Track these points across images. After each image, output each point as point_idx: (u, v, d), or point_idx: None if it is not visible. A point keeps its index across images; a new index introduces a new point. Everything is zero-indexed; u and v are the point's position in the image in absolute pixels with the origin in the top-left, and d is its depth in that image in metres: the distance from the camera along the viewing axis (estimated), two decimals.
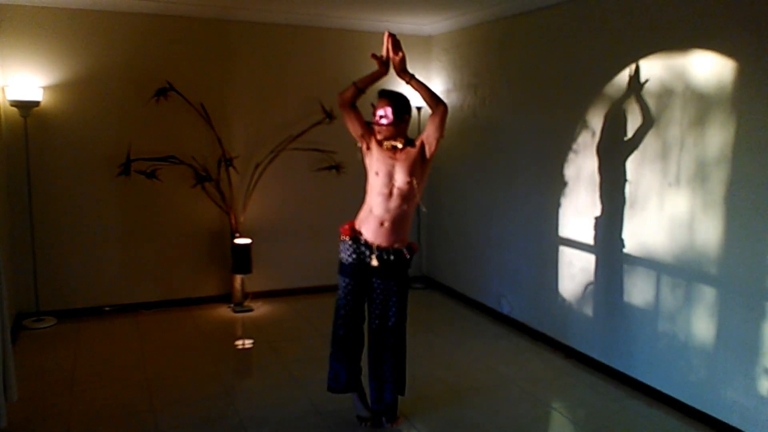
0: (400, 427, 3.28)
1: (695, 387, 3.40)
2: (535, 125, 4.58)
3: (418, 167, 3.09)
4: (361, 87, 3.08)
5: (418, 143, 3.12)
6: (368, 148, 3.15)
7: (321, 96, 5.43)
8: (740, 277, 3.15)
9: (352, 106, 3.10)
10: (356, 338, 3.28)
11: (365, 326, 3.30)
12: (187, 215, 5.27)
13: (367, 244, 3.13)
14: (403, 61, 3.00)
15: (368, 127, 3.14)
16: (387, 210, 3.08)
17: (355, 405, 3.35)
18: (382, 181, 3.07)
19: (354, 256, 3.16)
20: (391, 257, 3.12)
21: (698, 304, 3.37)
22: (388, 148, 3.11)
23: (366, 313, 3.28)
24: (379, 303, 3.19)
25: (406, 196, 3.08)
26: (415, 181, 3.07)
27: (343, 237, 3.18)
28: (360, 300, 3.23)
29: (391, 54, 3.00)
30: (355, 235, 3.15)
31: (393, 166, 3.07)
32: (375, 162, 3.11)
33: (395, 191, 3.07)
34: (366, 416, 3.30)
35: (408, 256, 3.17)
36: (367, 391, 3.35)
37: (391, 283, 3.16)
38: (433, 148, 3.09)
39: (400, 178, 3.06)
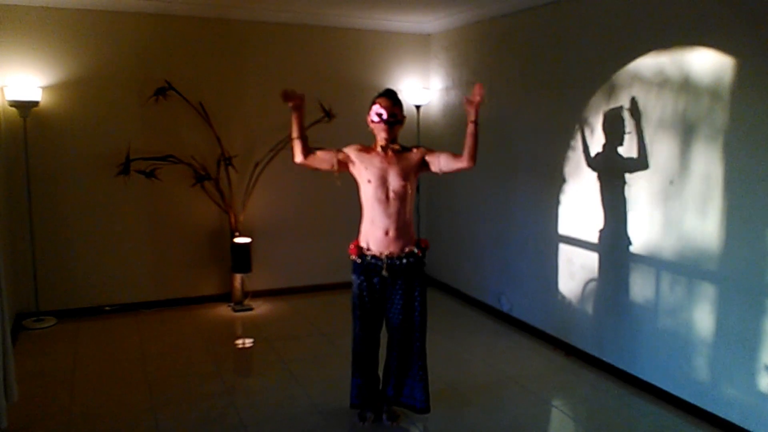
0: (400, 424, 3.28)
1: (696, 384, 3.40)
2: (535, 123, 4.58)
3: (412, 173, 3.10)
4: (302, 135, 3.07)
5: (419, 155, 3.12)
6: (352, 164, 3.10)
7: (320, 95, 5.43)
8: (740, 274, 3.15)
9: (308, 154, 3.08)
10: (374, 343, 3.25)
11: (381, 330, 3.28)
12: (186, 214, 5.26)
13: (376, 257, 3.10)
14: (477, 107, 3.06)
15: (338, 152, 3.10)
16: (388, 216, 3.06)
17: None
18: (375, 185, 3.05)
19: (366, 273, 3.13)
20: (404, 261, 3.11)
21: (699, 301, 3.37)
22: (386, 151, 3.09)
23: (385, 317, 3.24)
24: (402, 304, 3.15)
25: (403, 198, 3.07)
26: (409, 186, 3.08)
27: (352, 257, 3.17)
28: (375, 298, 3.17)
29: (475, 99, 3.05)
30: (362, 253, 3.13)
31: (386, 171, 3.06)
32: (364, 171, 3.07)
33: (391, 195, 3.05)
34: (367, 415, 3.30)
35: (420, 254, 3.16)
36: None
37: (411, 283, 3.14)
38: (432, 170, 3.15)
39: (395, 182, 3.05)
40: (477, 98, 3.03)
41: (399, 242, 3.09)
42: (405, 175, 3.06)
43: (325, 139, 5.42)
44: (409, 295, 3.15)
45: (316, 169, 3.18)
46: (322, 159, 3.10)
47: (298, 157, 3.08)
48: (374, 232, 3.09)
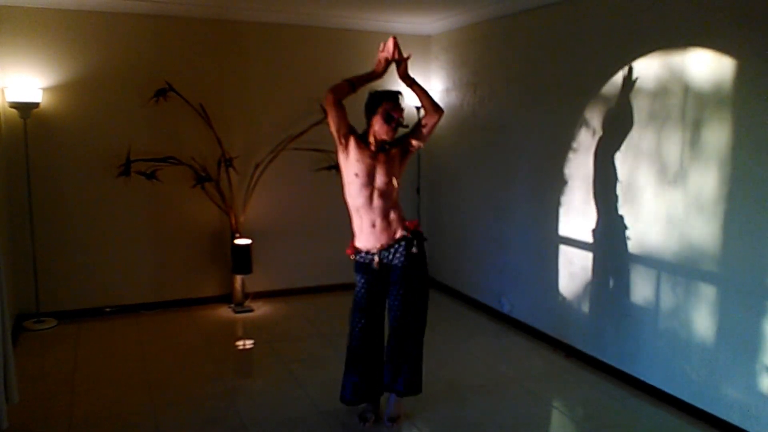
0: (401, 426, 3.29)
1: (696, 385, 3.40)
2: (535, 124, 4.58)
3: (397, 167, 3.15)
4: (356, 86, 3.08)
5: (399, 146, 3.17)
6: (346, 148, 3.13)
7: (320, 95, 5.41)
8: (740, 275, 3.15)
9: (340, 103, 3.09)
10: (375, 340, 3.26)
11: (384, 327, 3.31)
12: (187, 216, 5.27)
13: (370, 252, 3.16)
14: (406, 65, 3.10)
15: (350, 127, 3.14)
16: (372, 210, 3.11)
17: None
18: (361, 182, 3.09)
19: (366, 270, 3.19)
20: (396, 246, 3.14)
21: (699, 302, 3.37)
22: (377, 149, 3.13)
23: (385, 314, 3.28)
24: (403, 295, 3.17)
25: (386, 194, 3.12)
26: (394, 181, 3.13)
27: (351, 257, 3.25)
28: (376, 295, 3.21)
29: (396, 57, 3.07)
30: (359, 252, 3.20)
31: (374, 167, 3.09)
32: (354, 163, 3.10)
33: (375, 192, 3.10)
34: (368, 416, 3.30)
35: (410, 235, 3.17)
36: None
37: (409, 271, 3.16)
38: (415, 150, 3.21)
39: (380, 179, 3.10)
40: (384, 54, 3.08)
41: (387, 232, 3.14)
42: (390, 172, 3.12)
43: (325, 139, 5.45)
44: (408, 288, 3.17)
45: (326, 114, 3.16)
46: (340, 118, 3.10)
47: (333, 95, 3.06)
48: (363, 229, 3.16)
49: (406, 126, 3.21)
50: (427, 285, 3.29)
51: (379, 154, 3.12)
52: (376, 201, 3.10)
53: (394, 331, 3.24)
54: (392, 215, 3.15)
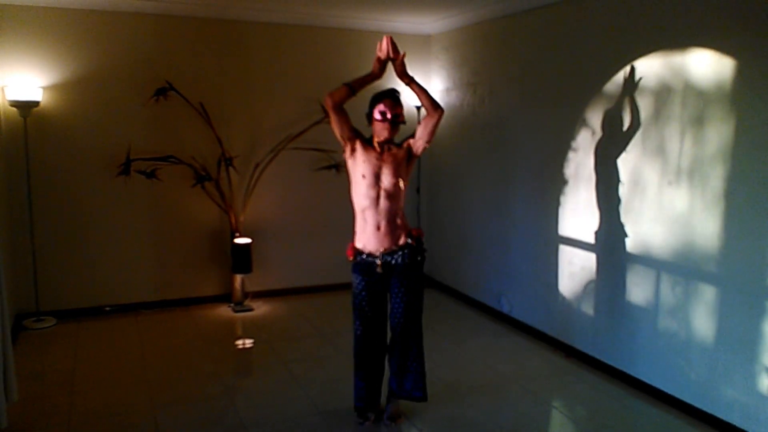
0: (400, 426, 3.28)
1: (696, 385, 3.40)
2: (535, 124, 4.58)
3: (403, 168, 3.14)
4: (355, 89, 3.06)
5: (405, 146, 3.17)
6: (353, 150, 3.13)
7: (320, 95, 5.42)
8: (740, 275, 3.15)
9: (341, 107, 3.08)
10: (376, 343, 3.26)
11: (385, 330, 3.30)
12: (187, 215, 5.27)
13: (373, 255, 3.14)
14: (403, 63, 3.06)
15: (354, 130, 3.13)
16: (378, 212, 3.10)
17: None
18: (368, 182, 3.08)
19: (364, 272, 3.17)
20: (399, 253, 3.13)
21: (698, 302, 3.37)
22: (382, 150, 3.12)
23: (387, 314, 3.27)
24: (405, 300, 3.17)
25: (393, 195, 3.11)
26: (401, 182, 3.12)
27: (350, 259, 3.22)
28: (376, 296, 3.20)
29: (391, 55, 3.03)
30: (359, 253, 3.17)
31: (380, 168, 3.09)
32: (361, 164, 3.10)
33: (382, 193, 3.09)
34: (368, 415, 3.30)
35: (414, 243, 3.17)
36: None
37: (408, 276, 3.16)
38: (420, 151, 3.18)
39: (387, 180, 3.09)
40: (379, 54, 3.04)
41: (391, 236, 3.12)
42: (397, 173, 3.10)
43: (325, 139, 5.45)
44: (408, 289, 3.16)
45: (330, 120, 3.14)
46: (343, 121, 3.09)
47: (332, 100, 3.04)
48: (367, 230, 3.13)
49: (403, 122, 3.18)
50: (423, 288, 3.29)
51: (384, 155, 3.11)
52: (383, 202, 3.09)
53: (396, 334, 3.24)
54: (398, 220, 3.14)
